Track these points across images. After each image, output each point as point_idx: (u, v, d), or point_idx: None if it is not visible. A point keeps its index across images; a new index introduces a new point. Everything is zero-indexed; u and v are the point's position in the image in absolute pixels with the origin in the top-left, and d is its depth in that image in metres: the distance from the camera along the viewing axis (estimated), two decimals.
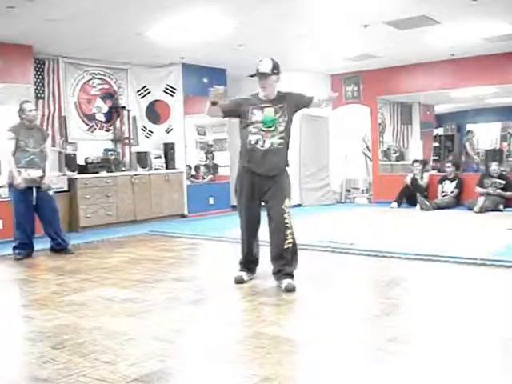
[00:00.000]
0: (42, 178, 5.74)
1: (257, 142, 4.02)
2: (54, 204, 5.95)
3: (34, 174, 5.68)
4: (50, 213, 5.88)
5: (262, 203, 4.20)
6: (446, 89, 9.60)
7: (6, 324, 3.55)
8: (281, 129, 4.04)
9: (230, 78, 9.76)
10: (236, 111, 4.14)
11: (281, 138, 4.05)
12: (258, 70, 4.02)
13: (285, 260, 4.06)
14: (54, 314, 3.63)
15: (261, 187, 4.10)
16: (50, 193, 5.87)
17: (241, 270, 4.35)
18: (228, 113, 4.17)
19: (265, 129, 4.01)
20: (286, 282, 4.02)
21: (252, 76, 4.08)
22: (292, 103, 4.12)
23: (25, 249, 5.77)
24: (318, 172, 10.53)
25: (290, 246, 4.05)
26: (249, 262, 4.35)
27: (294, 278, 4.09)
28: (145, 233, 7.43)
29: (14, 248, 5.78)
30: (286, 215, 4.02)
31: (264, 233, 4.26)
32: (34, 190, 5.70)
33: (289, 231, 4.03)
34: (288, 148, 4.17)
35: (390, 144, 10.89)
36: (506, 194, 8.52)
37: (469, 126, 10.42)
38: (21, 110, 5.72)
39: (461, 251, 5.11)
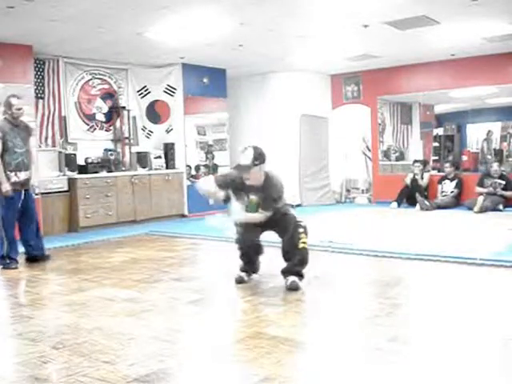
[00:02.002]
0: (29, 179, 5.30)
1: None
2: (35, 207, 5.51)
3: (23, 176, 5.22)
4: (33, 217, 5.40)
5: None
6: (445, 89, 9.61)
7: (6, 324, 3.55)
8: (264, 211, 4.08)
9: (230, 78, 9.77)
10: (229, 186, 4.21)
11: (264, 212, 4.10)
12: (241, 166, 4.05)
13: (292, 259, 4.08)
14: (54, 313, 3.63)
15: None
16: (34, 196, 5.45)
17: (241, 271, 4.35)
18: (225, 187, 4.23)
19: (249, 210, 4.11)
20: (290, 279, 4.04)
21: (235, 168, 4.12)
22: (272, 195, 4.11)
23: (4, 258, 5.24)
24: (318, 172, 10.54)
25: (303, 245, 4.03)
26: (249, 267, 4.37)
27: (302, 276, 4.09)
28: (145, 233, 7.43)
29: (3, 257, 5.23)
30: (296, 215, 4.10)
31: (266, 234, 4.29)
32: (22, 192, 5.24)
33: (300, 229, 4.03)
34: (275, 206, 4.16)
35: (390, 144, 10.88)
36: (508, 194, 8.53)
37: (469, 126, 10.42)
38: (7, 105, 5.17)
39: (461, 251, 5.11)
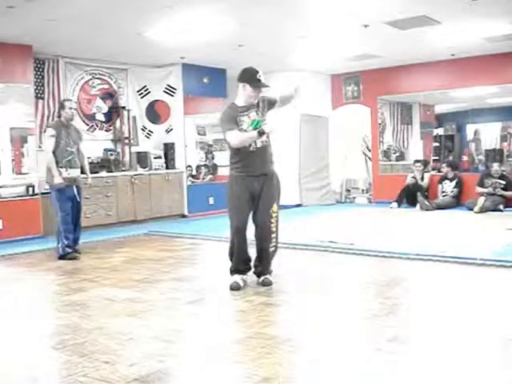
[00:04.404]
0: (79, 177, 5.79)
1: (250, 145, 4.15)
2: (82, 202, 5.97)
3: (74, 173, 5.70)
4: (80, 211, 5.85)
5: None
6: (446, 89, 9.61)
7: (6, 324, 3.55)
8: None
9: (230, 78, 9.77)
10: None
11: (266, 136, 4.19)
12: (261, 81, 4.11)
13: (266, 263, 4.27)
14: (54, 313, 3.63)
15: (253, 189, 4.22)
16: (82, 192, 5.95)
17: (234, 273, 4.32)
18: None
19: (257, 125, 4.14)
20: (263, 277, 4.26)
21: (255, 86, 4.11)
22: (265, 105, 4.23)
23: (70, 247, 5.70)
24: (318, 172, 10.54)
25: (273, 249, 4.25)
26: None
27: (271, 272, 4.30)
28: (145, 233, 7.43)
29: (67, 246, 5.64)
30: (272, 220, 4.19)
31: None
32: (74, 188, 5.70)
33: (273, 235, 4.22)
34: (270, 146, 4.30)
35: (390, 144, 10.89)
36: (508, 194, 8.53)
37: (469, 126, 10.42)
38: (61, 107, 5.78)
39: (461, 251, 5.11)
